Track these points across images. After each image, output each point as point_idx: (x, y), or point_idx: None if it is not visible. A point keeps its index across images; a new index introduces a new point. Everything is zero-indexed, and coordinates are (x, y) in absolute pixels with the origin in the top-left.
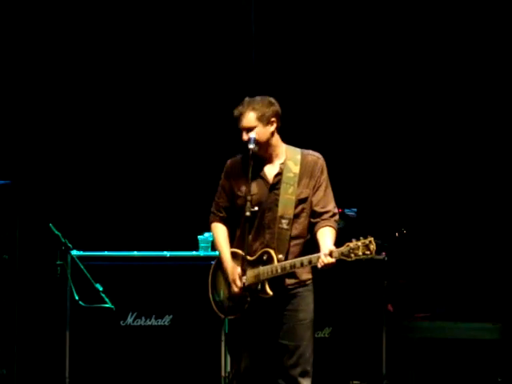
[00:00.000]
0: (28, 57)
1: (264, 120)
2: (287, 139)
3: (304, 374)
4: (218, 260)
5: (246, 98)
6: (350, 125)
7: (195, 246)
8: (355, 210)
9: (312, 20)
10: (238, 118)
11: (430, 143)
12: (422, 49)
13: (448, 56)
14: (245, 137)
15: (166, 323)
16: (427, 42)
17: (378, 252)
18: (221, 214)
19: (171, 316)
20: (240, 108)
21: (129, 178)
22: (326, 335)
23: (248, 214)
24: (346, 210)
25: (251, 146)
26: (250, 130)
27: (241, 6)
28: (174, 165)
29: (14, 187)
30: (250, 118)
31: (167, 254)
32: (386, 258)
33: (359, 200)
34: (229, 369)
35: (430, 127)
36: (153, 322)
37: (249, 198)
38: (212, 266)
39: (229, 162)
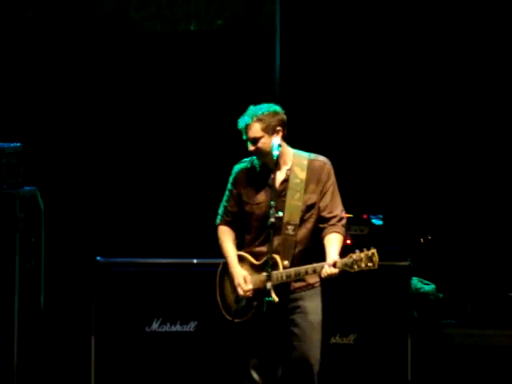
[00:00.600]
0: (56, 67)
1: (269, 130)
2: (311, 147)
3: (313, 376)
4: (224, 264)
5: (251, 107)
6: (377, 132)
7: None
8: (381, 216)
9: (327, 28)
10: (244, 130)
11: (456, 150)
12: (439, 49)
13: (466, 58)
14: (251, 147)
15: (190, 329)
16: (441, 43)
17: (402, 258)
18: (228, 218)
19: (196, 322)
20: (245, 119)
21: (157, 185)
22: (351, 342)
23: (272, 220)
24: (372, 217)
25: (276, 153)
26: (255, 140)
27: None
28: (203, 174)
29: (39, 193)
30: (255, 129)
31: (193, 260)
32: (411, 264)
33: (385, 206)
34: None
35: (457, 134)
36: (178, 328)
37: (273, 203)
38: (218, 270)
39: (236, 168)
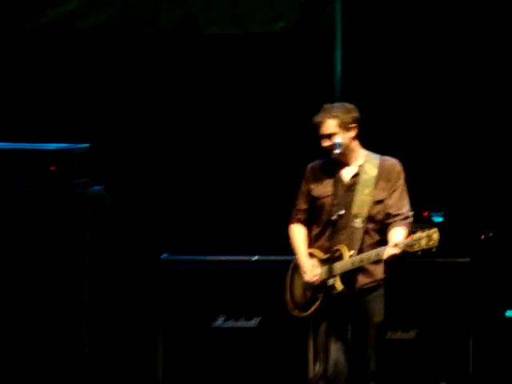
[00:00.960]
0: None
1: (344, 126)
2: (373, 147)
3: (372, 374)
4: (294, 263)
5: (326, 105)
6: (439, 130)
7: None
8: (442, 213)
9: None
10: (318, 126)
11: None
12: (506, 48)
13: None
14: (326, 143)
15: (254, 325)
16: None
17: (463, 255)
18: (299, 217)
19: (260, 318)
20: (320, 115)
21: (221, 184)
22: (412, 337)
23: (334, 217)
24: (433, 214)
25: (337, 151)
26: (330, 136)
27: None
28: (265, 173)
29: (107, 193)
30: (330, 125)
31: (254, 257)
32: (471, 261)
33: (446, 203)
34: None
35: None
36: (241, 324)
37: (336, 201)
38: (290, 268)
39: (308, 167)
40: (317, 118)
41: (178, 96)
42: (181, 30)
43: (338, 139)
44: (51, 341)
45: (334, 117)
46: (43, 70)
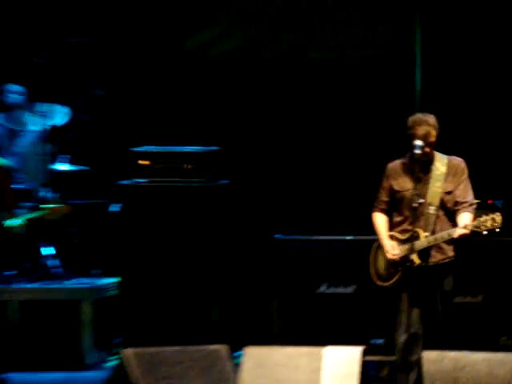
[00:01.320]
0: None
1: (436, 136)
2: (448, 147)
3: (444, 334)
4: (377, 243)
5: (426, 118)
6: (498, 123)
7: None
8: (502, 201)
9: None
10: (423, 135)
11: None
12: None
13: None
14: (426, 149)
15: (350, 291)
16: None
17: None
18: (381, 206)
19: (355, 286)
20: (425, 127)
21: (325, 178)
22: (479, 300)
23: (415, 205)
24: (495, 202)
25: (419, 152)
26: (432, 144)
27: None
28: (362, 170)
29: (232, 185)
30: (433, 134)
31: (350, 237)
32: None
33: (505, 193)
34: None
35: None
36: (340, 290)
37: (416, 192)
38: (373, 248)
39: (388, 166)
40: (422, 130)
41: (289, 108)
42: (288, 54)
43: (419, 142)
44: (191, 306)
45: (435, 128)
46: (187, 89)
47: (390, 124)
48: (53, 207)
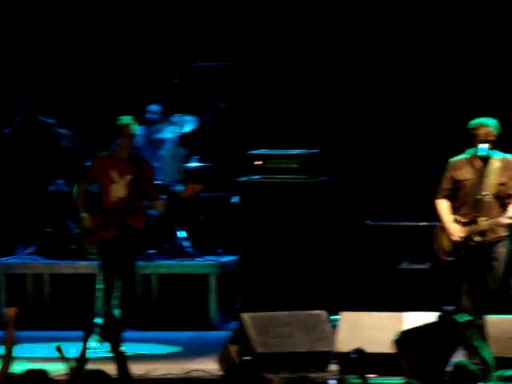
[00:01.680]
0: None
1: (495, 135)
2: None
3: (496, 298)
4: (440, 225)
5: (489, 120)
6: None
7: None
8: None
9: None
10: (487, 135)
11: None
12: None
13: None
14: (490, 146)
15: (427, 267)
16: None
17: None
18: (444, 194)
19: (431, 262)
20: (486, 128)
21: (407, 174)
22: None
23: (478, 196)
24: None
25: (484, 154)
26: (488, 142)
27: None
28: (432, 165)
29: (330, 181)
30: (492, 134)
31: (424, 223)
32: None
33: None
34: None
35: None
36: (419, 266)
37: (476, 182)
38: (437, 227)
39: (451, 161)
40: (484, 131)
41: (375, 115)
42: (377, 73)
43: (485, 145)
44: (297, 280)
45: (495, 129)
46: (294, 102)
47: (454, 127)
48: (189, 185)
